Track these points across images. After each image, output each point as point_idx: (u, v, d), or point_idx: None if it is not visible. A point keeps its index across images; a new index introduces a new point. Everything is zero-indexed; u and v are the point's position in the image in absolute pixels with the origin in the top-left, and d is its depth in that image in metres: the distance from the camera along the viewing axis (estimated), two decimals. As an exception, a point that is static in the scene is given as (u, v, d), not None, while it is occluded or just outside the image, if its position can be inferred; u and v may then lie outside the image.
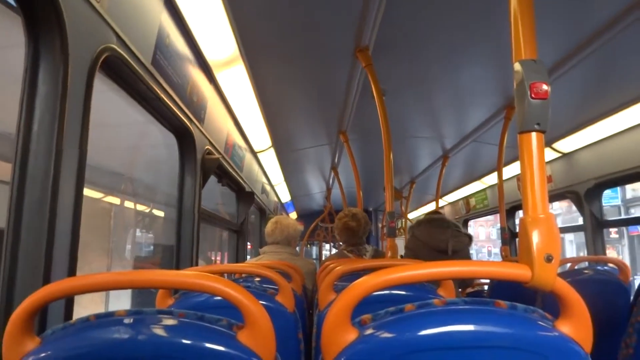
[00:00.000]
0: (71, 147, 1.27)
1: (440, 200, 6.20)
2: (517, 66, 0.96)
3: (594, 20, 2.06)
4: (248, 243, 4.65)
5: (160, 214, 3.71)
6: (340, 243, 3.02)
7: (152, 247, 4.34)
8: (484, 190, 5.94)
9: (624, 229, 16.11)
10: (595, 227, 3.61)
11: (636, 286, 2.15)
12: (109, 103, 1.93)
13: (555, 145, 3.71)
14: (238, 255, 4.24)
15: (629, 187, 16.04)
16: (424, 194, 7.34)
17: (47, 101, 1.21)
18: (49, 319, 1.16)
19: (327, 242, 9.72)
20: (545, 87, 0.93)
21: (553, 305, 0.92)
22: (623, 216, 14.29)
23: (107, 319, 0.86)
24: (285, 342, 1.03)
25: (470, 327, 0.85)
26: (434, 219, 3.25)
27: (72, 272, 1.26)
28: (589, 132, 3.33)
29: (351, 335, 0.87)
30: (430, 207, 7.96)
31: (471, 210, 6.47)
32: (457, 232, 3.20)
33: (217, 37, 2.23)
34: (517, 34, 0.97)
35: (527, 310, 0.89)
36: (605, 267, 2.72)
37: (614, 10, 1.96)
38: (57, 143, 1.20)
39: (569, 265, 3.00)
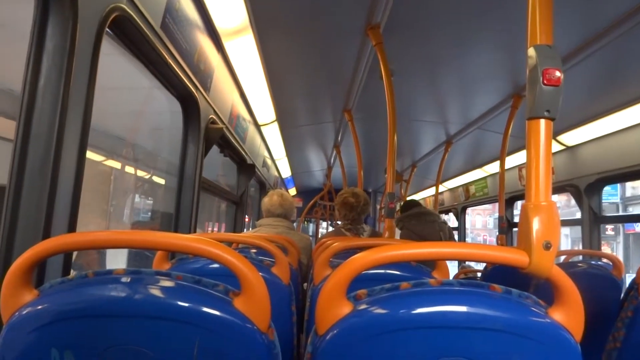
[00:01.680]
0: (76, 105, 1.27)
1: (440, 186, 6.20)
2: (531, 51, 0.95)
3: (609, 13, 2.03)
4: (246, 216, 4.68)
5: (161, 180, 3.71)
6: (338, 222, 3.03)
7: (150, 213, 4.36)
8: (484, 178, 5.94)
9: (620, 226, 16.18)
10: (593, 222, 3.62)
11: (628, 282, 2.17)
12: (114, 66, 1.91)
13: (560, 137, 3.69)
14: (236, 227, 4.26)
15: (628, 185, 16.04)
16: (424, 178, 7.34)
17: (55, 57, 1.20)
18: (47, 273, 1.18)
19: (324, 220, 9.76)
20: (558, 73, 0.92)
21: (545, 296, 0.92)
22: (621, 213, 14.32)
23: (105, 277, 0.86)
24: (278, 313, 1.05)
25: (464, 309, 0.86)
26: (422, 213, 3.42)
27: (72, 229, 1.27)
28: (595, 127, 3.31)
29: (345, 308, 0.88)
30: (430, 192, 7.96)
31: (470, 197, 6.48)
32: (441, 224, 3.42)
33: (228, 5, 2.20)
34: (533, 17, 0.96)
35: (521, 296, 0.90)
36: (600, 262, 2.74)
37: (630, 4, 1.93)
38: (63, 100, 1.20)
39: (563, 257, 3.01)
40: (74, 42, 1.22)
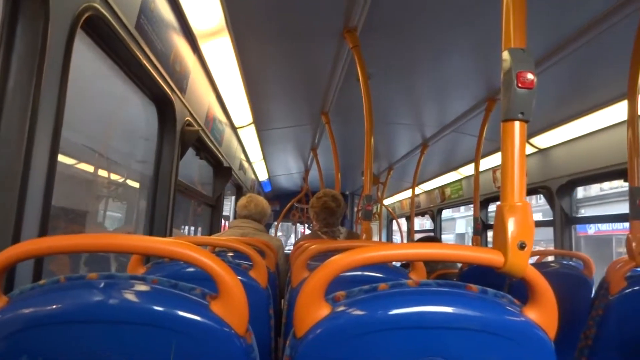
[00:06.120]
0: (48, 107, 1.24)
1: (416, 188, 6.26)
2: (505, 54, 0.97)
3: (579, 18, 2.08)
4: (224, 221, 4.63)
5: (135, 184, 3.64)
6: (313, 223, 3.03)
7: (124, 217, 4.26)
8: (459, 180, 6.02)
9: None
10: (565, 223, 3.71)
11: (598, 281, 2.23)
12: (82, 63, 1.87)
13: (532, 140, 3.77)
14: (212, 230, 4.22)
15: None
16: (400, 180, 7.40)
17: (25, 58, 1.17)
18: (17, 279, 1.14)
19: (301, 223, 9.74)
20: (531, 76, 0.94)
21: (519, 296, 0.94)
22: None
23: (77, 282, 0.84)
24: (256, 317, 1.04)
25: (441, 309, 0.87)
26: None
27: (43, 233, 1.24)
28: (565, 130, 3.40)
29: (324, 310, 0.88)
30: (406, 194, 8.01)
31: (446, 199, 6.56)
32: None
33: (204, 6, 2.18)
34: (507, 22, 0.98)
35: (497, 295, 0.91)
36: (571, 262, 2.80)
37: (598, 9, 1.99)
38: (34, 102, 1.17)
39: (535, 258, 3.08)
40: (45, 42, 1.19)
